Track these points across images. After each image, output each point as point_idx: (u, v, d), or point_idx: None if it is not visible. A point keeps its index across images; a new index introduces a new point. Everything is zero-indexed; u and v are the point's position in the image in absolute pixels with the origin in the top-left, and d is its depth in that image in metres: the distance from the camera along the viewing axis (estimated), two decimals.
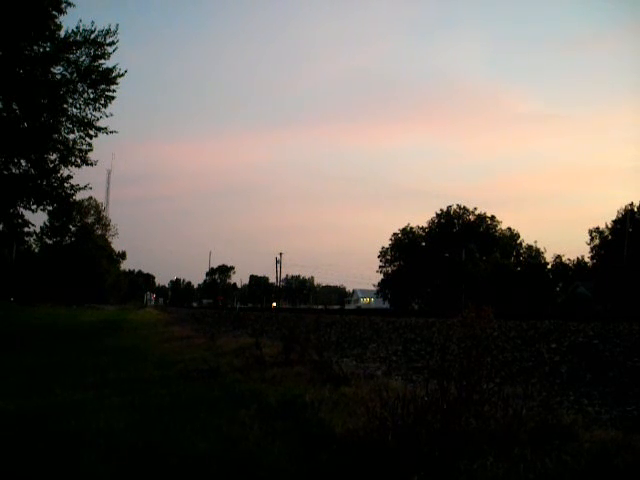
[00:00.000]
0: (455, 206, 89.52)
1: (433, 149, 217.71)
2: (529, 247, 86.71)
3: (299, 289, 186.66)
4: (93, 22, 22.50)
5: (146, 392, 7.12)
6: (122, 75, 23.33)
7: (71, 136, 23.56)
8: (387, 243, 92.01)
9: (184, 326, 25.89)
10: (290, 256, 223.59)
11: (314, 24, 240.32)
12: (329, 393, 6.28)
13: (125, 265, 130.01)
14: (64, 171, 23.85)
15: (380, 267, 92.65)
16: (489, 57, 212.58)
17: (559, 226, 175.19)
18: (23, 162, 23.36)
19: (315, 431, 4.88)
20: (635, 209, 63.74)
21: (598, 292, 56.56)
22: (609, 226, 66.96)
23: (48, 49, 22.59)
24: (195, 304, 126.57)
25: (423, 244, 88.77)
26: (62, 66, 22.64)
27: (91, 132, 23.59)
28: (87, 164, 23.95)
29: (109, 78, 23.02)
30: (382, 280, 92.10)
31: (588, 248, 69.91)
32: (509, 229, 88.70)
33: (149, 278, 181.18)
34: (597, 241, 68.68)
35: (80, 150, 23.67)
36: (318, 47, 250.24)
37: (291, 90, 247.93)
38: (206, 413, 5.76)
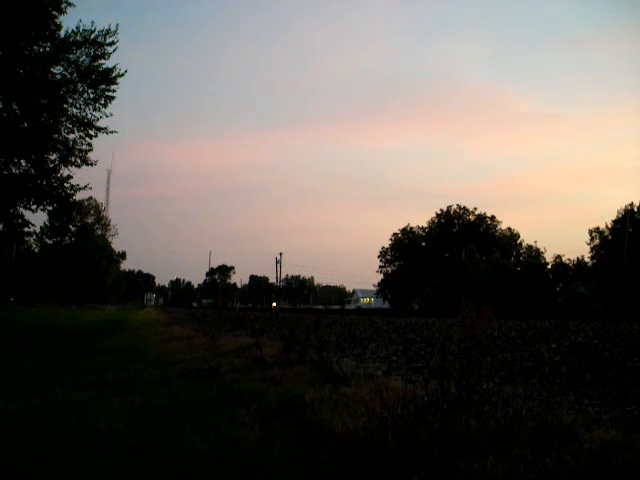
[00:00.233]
0: (455, 206, 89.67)
1: (433, 149, 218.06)
2: (529, 247, 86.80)
3: (299, 289, 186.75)
4: (93, 22, 22.58)
5: (146, 392, 7.12)
6: (122, 75, 23.36)
7: (71, 136, 23.62)
8: (387, 243, 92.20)
9: (184, 326, 25.88)
10: (290, 256, 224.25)
11: (315, 24, 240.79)
12: (329, 393, 6.27)
13: (125, 265, 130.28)
14: (64, 171, 23.91)
15: (380, 267, 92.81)
16: (489, 57, 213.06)
17: (559, 226, 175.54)
18: (23, 162, 23.39)
19: (315, 431, 4.88)
20: (635, 209, 63.79)
21: (598, 292, 56.60)
22: (609, 226, 67.03)
23: (48, 49, 22.61)
24: (195, 304, 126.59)
25: (423, 244, 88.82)
26: (62, 66, 22.67)
27: (91, 132, 23.63)
28: (87, 164, 23.98)
29: (109, 78, 23.03)
30: (382, 280, 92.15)
31: (588, 248, 70.08)
32: (509, 229, 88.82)
33: (149, 278, 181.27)
34: (597, 241, 68.73)
35: (80, 150, 23.71)
36: (319, 48, 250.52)
37: (291, 90, 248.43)
38: (206, 413, 5.76)
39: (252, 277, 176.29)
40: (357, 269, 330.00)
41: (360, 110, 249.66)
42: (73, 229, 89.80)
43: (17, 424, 5.51)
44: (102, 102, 23.29)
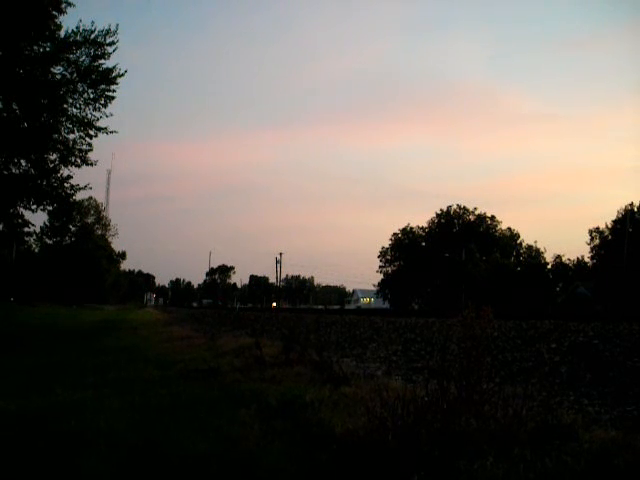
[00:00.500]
0: (455, 206, 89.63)
1: (433, 149, 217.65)
2: (529, 247, 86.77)
3: (299, 289, 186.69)
4: (93, 22, 22.62)
5: (146, 392, 7.12)
6: (122, 75, 23.39)
7: (71, 136, 23.66)
8: (387, 243, 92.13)
9: (184, 326, 25.89)
10: (290, 256, 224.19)
11: (315, 25, 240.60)
12: (329, 393, 6.28)
13: (125, 265, 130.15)
14: (64, 171, 23.95)
15: (380, 267, 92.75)
16: (488, 57, 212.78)
17: (559, 226, 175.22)
18: (23, 162, 23.43)
19: (315, 431, 4.88)
20: (635, 209, 63.72)
21: (598, 292, 56.60)
22: (609, 226, 66.95)
23: (48, 49, 22.63)
24: (195, 304, 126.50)
25: (423, 244, 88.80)
26: (62, 66, 22.70)
27: (91, 132, 23.66)
28: (87, 164, 24.01)
29: (109, 78, 23.06)
30: (382, 280, 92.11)
31: (588, 248, 69.95)
32: (509, 229, 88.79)
33: (149, 278, 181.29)
34: (597, 241, 68.65)
35: (80, 150, 23.75)
36: (319, 48, 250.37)
37: (291, 90, 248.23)
38: (206, 413, 5.76)
39: (252, 277, 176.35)
40: (357, 269, 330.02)
41: (360, 110, 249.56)
42: (73, 229, 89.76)
43: (17, 424, 5.51)
44: (102, 102, 23.34)
